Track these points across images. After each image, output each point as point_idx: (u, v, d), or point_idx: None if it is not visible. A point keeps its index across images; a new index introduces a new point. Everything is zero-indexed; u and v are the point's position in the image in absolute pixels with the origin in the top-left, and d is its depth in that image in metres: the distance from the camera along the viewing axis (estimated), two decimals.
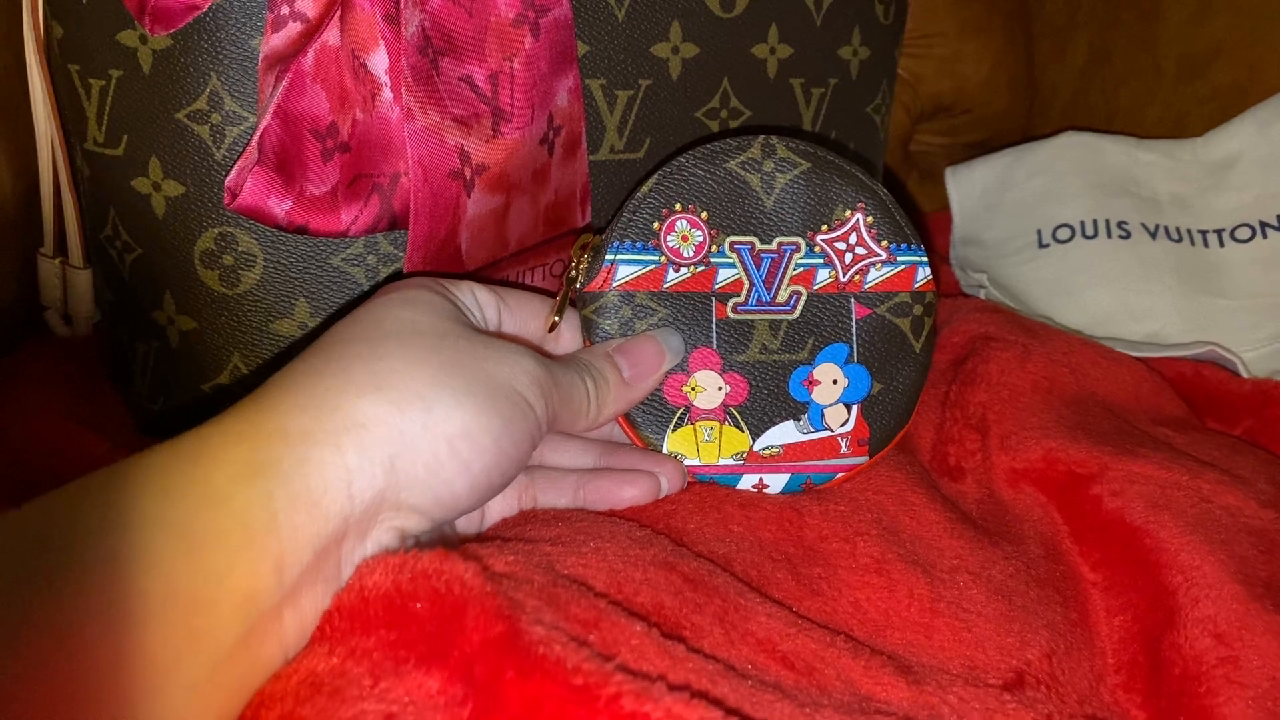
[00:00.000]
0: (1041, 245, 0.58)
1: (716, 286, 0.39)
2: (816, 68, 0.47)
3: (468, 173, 0.37)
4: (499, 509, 0.37)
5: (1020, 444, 0.41)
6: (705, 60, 0.44)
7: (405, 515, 0.29)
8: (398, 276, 0.39)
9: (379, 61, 0.36)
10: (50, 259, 0.43)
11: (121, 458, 0.39)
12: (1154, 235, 0.57)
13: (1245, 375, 0.50)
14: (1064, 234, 0.57)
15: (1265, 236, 0.55)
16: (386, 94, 0.36)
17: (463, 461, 0.29)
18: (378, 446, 0.28)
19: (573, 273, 0.39)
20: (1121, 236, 0.57)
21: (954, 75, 0.75)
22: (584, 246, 0.39)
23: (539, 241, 0.42)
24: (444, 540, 0.32)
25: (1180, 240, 0.57)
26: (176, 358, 0.40)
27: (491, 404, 0.30)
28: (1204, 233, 0.57)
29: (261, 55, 0.35)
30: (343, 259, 0.38)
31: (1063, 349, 0.47)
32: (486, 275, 0.41)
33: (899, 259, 0.40)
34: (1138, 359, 0.50)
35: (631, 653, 0.26)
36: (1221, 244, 0.56)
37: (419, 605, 0.26)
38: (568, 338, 0.39)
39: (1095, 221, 0.57)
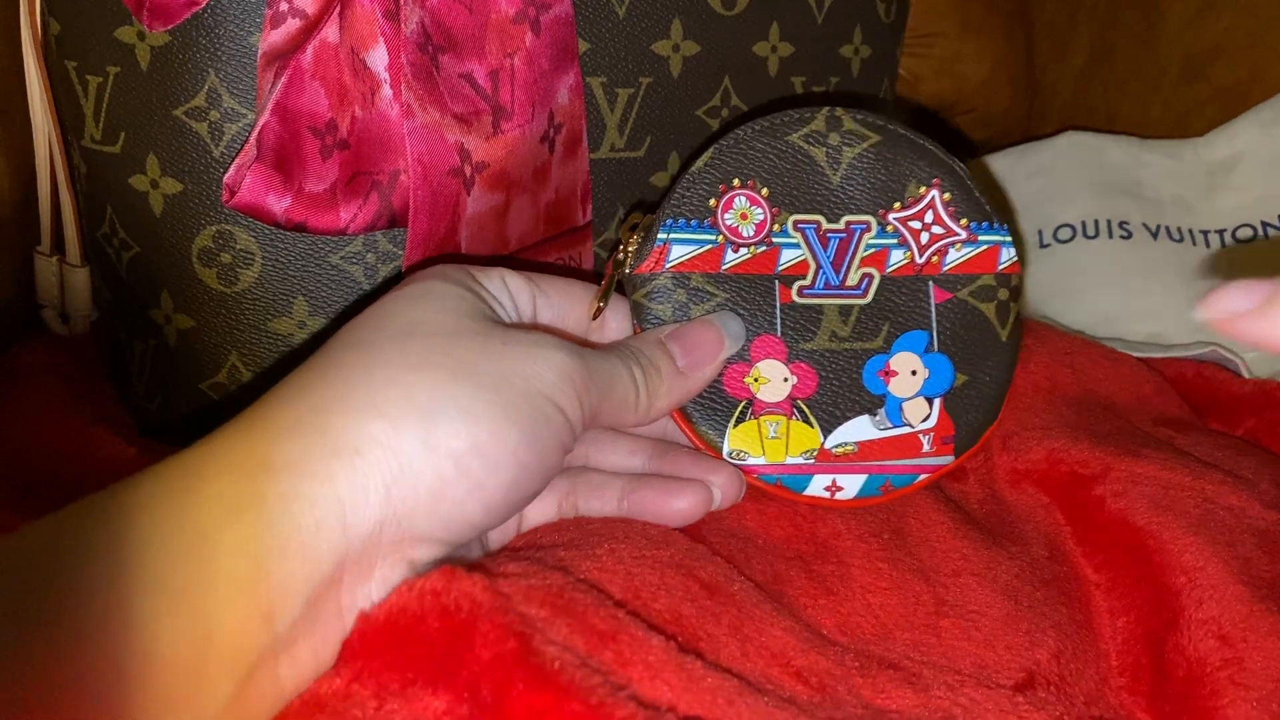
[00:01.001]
0: (1042, 245, 0.58)
1: (780, 268, 0.36)
2: (818, 66, 0.47)
3: (468, 170, 0.37)
4: (537, 515, 0.34)
5: (1022, 444, 0.41)
6: (706, 58, 0.44)
7: (412, 546, 0.26)
8: (397, 275, 0.39)
9: (378, 58, 0.35)
10: (48, 257, 0.43)
11: (122, 455, 0.38)
12: (1155, 235, 0.57)
13: (1247, 376, 0.50)
14: (1065, 234, 0.57)
15: (1267, 237, 0.55)
16: (386, 91, 0.36)
17: (474, 480, 0.26)
18: (372, 473, 0.25)
19: (620, 255, 0.36)
20: (1123, 237, 0.57)
21: (954, 75, 0.75)
22: (633, 227, 0.36)
23: (539, 240, 0.42)
24: (465, 557, 0.30)
25: (1182, 240, 0.57)
26: (174, 356, 0.40)
27: (506, 412, 0.27)
28: (1205, 233, 0.57)
29: (260, 52, 0.35)
30: (341, 257, 0.38)
31: (1064, 349, 0.47)
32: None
33: (980, 239, 0.37)
34: (1139, 359, 0.50)
35: (649, 669, 0.25)
36: (1223, 244, 0.56)
37: (428, 624, 0.25)
38: (614, 327, 0.36)
39: (1096, 222, 0.57)
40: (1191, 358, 0.51)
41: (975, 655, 0.31)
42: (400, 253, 0.39)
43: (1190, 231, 0.57)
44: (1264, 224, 0.55)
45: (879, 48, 0.49)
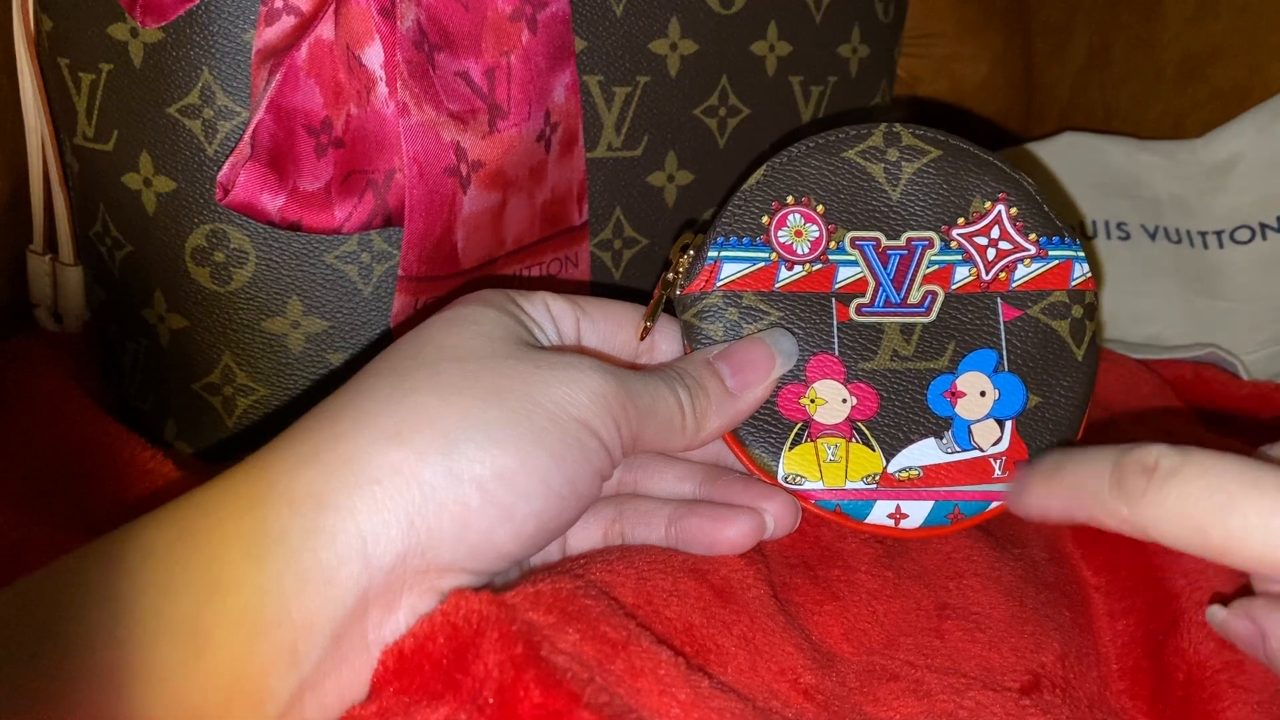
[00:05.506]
0: None
1: (837, 286, 0.35)
2: (816, 65, 0.47)
3: (464, 169, 0.37)
4: (581, 543, 0.33)
5: None
6: (704, 57, 0.44)
7: (439, 576, 0.25)
8: (392, 274, 0.39)
9: (374, 56, 0.35)
10: (40, 256, 0.43)
11: (137, 454, 0.37)
12: (1153, 237, 0.57)
13: (1245, 378, 0.50)
14: None
15: (1265, 238, 0.55)
16: (381, 89, 0.36)
17: (502, 508, 0.25)
18: (393, 503, 0.24)
19: (670, 275, 0.35)
20: (1121, 238, 0.57)
21: (952, 75, 0.75)
22: (684, 247, 0.35)
23: (536, 240, 0.41)
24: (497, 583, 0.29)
25: (1180, 242, 0.56)
26: (167, 356, 0.39)
27: (536, 437, 0.26)
28: (1204, 234, 0.57)
29: (254, 49, 0.35)
30: (336, 256, 0.38)
31: None
32: (483, 274, 0.40)
33: (1051, 254, 0.35)
34: (1138, 361, 0.50)
35: (659, 682, 0.25)
36: (1221, 246, 0.56)
37: (436, 643, 0.25)
38: (664, 350, 0.34)
39: (1094, 223, 0.57)
40: (1190, 359, 0.51)
41: (981, 658, 0.31)
42: (395, 252, 0.39)
43: (1188, 233, 0.57)
44: (1262, 225, 0.55)
45: (877, 47, 0.49)
